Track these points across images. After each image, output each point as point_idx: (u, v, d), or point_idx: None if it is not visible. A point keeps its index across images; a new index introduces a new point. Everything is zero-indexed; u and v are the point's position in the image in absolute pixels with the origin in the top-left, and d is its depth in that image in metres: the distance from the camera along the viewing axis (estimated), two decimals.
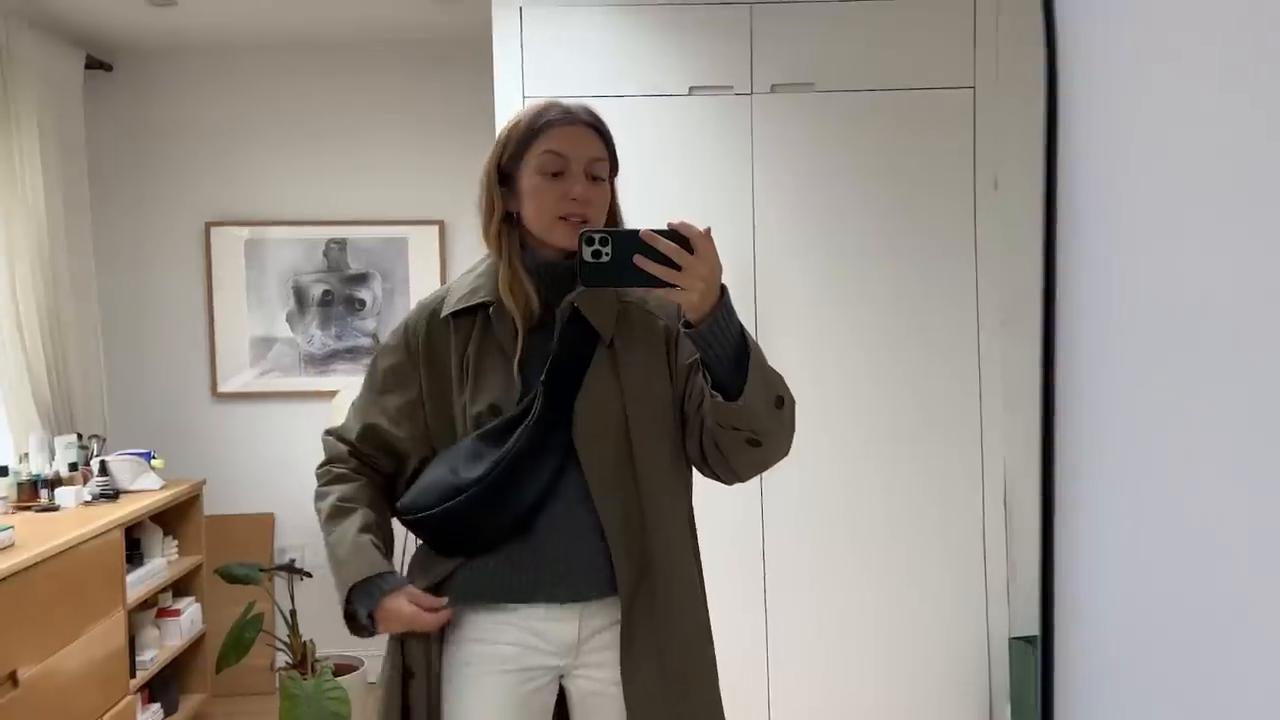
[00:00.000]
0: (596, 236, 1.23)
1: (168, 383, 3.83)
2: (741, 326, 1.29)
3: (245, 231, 3.85)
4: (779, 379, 1.35)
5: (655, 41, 2.97)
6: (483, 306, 1.44)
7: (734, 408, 1.29)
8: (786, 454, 1.40)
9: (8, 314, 3.16)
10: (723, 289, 1.26)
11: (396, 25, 3.52)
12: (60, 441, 3.12)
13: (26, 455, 3.07)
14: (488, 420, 1.40)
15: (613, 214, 1.47)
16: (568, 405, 1.39)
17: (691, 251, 1.22)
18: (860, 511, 2.99)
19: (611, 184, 1.47)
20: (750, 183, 2.97)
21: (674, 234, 1.21)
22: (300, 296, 3.87)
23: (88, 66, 3.61)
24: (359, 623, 1.42)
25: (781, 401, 1.34)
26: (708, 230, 1.23)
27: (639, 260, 1.21)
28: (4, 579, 2.27)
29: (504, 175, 1.45)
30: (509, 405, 1.40)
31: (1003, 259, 2.96)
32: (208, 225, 3.84)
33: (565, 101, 1.46)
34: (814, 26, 2.94)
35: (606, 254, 1.22)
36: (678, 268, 1.22)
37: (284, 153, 3.85)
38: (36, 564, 2.38)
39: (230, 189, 3.85)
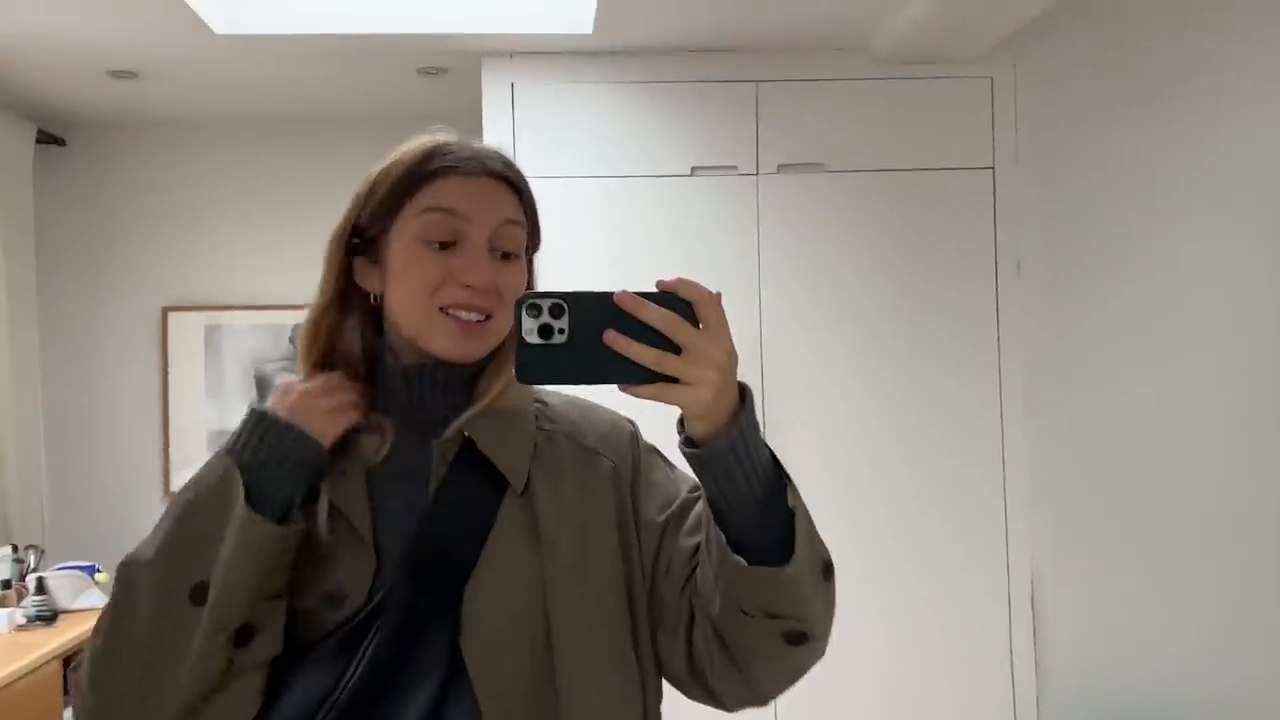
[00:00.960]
0: (545, 304, 0.77)
1: (116, 484, 3.51)
2: (771, 450, 0.84)
3: (204, 317, 3.59)
4: (818, 533, 0.87)
5: (655, 120, 2.81)
6: None
7: (772, 579, 0.81)
8: (824, 653, 0.91)
9: None
10: (743, 389, 0.81)
11: (377, 101, 3.34)
12: None
13: None
14: (328, 617, 0.89)
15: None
16: (452, 595, 0.89)
17: (696, 326, 0.77)
18: (876, 616, 2.77)
19: (529, 263, 1.01)
20: (756, 268, 2.80)
21: (669, 298, 0.77)
22: (263, 386, 3.60)
23: (39, 140, 3.40)
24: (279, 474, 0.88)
25: (829, 569, 0.88)
26: (718, 294, 0.79)
27: (612, 339, 0.76)
28: None
29: (362, 239, 0.97)
30: (358, 593, 0.89)
31: (1027, 345, 2.81)
32: (164, 310, 3.58)
33: (470, 141, 0.99)
34: (823, 105, 2.80)
35: (561, 330, 0.77)
36: (676, 350, 0.76)
37: (248, 233, 3.62)
38: None
39: (189, 271, 3.60)
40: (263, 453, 0.88)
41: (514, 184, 0.98)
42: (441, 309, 0.93)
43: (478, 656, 0.88)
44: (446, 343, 0.93)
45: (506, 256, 0.96)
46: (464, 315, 0.93)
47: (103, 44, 2.79)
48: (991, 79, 2.79)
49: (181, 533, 0.87)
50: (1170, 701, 2.85)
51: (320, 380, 0.95)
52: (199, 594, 0.84)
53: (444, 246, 0.93)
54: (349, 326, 0.98)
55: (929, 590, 2.78)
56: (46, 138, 3.43)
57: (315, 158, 3.58)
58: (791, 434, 2.74)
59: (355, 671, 0.86)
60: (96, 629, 0.88)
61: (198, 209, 3.61)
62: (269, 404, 0.92)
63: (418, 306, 0.93)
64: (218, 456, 0.89)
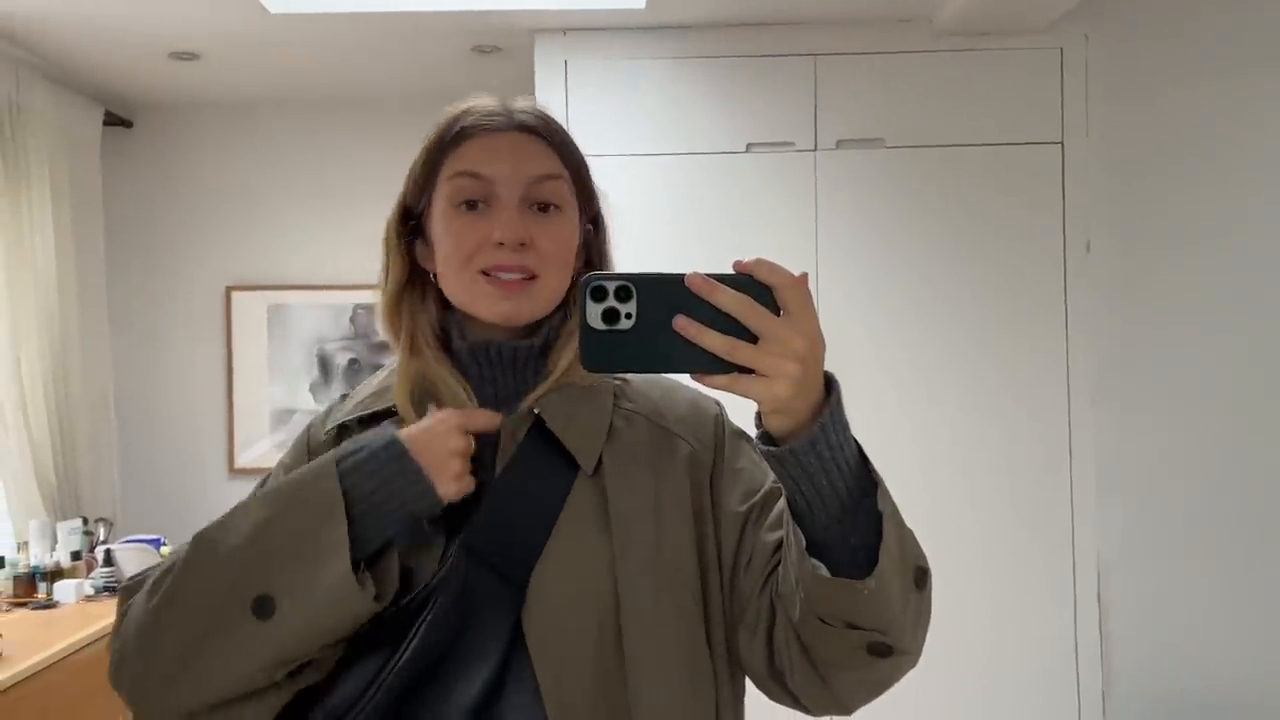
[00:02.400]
0: (611, 286, 0.72)
1: (182, 459, 3.60)
2: (860, 447, 0.79)
3: (268, 296, 3.64)
4: (913, 536, 0.83)
5: (711, 96, 2.75)
6: (389, 415, 0.93)
7: (853, 590, 0.75)
8: (916, 663, 0.86)
9: (11, 386, 2.93)
10: (829, 380, 0.75)
11: (431, 79, 3.34)
12: (64, 527, 2.88)
13: (26, 543, 2.82)
14: (397, 597, 0.85)
15: (593, 266, 0.98)
16: (516, 575, 0.86)
17: (776, 312, 0.71)
18: (938, 608, 2.68)
19: (591, 218, 0.97)
20: (814, 247, 2.73)
21: (745, 281, 0.72)
22: (325, 365, 3.64)
23: (106, 122, 3.46)
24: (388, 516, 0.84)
25: (924, 576, 0.83)
26: (803, 276, 0.72)
27: (683, 326, 0.71)
28: None
29: (414, 220, 0.96)
30: (427, 573, 0.86)
31: (1095, 327, 2.70)
32: (228, 289, 3.64)
33: (504, 99, 0.96)
34: (884, 78, 2.72)
35: (628, 315, 0.71)
36: (753, 338, 0.71)
37: (310, 213, 3.65)
38: (25, 679, 2.13)
39: (253, 251, 3.66)
40: (381, 494, 0.83)
41: (544, 134, 0.94)
42: (483, 273, 0.90)
43: (540, 637, 0.85)
44: (488, 306, 0.91)
45: (543, 208, 0.92)
46: (504, 276, 0.90)
47: (163, 25, 2.83)
48: (1061, 50, 2.67)
49: (261, 539, 0.83)
50: (1240, 700, 2.73)
51: (465, 428, 0.87)
52: (262, 606, 0.81)
53: (475, 207, 0.91)
54: (424, 308, 0.96)
55: (992, 583, 2.70)
56: (114, 120, 3.49)
57: (373, 137, 3.60)
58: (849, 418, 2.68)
59: (404, 652, 0.83)
60: (158, 583, 0.85)
61: (260, 189, 3.66)
62: (405, 435, 0.85)
63: (458, 273, 0.91)
64: (326, 468, 0.83)
